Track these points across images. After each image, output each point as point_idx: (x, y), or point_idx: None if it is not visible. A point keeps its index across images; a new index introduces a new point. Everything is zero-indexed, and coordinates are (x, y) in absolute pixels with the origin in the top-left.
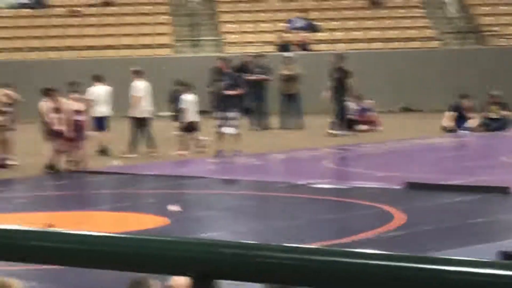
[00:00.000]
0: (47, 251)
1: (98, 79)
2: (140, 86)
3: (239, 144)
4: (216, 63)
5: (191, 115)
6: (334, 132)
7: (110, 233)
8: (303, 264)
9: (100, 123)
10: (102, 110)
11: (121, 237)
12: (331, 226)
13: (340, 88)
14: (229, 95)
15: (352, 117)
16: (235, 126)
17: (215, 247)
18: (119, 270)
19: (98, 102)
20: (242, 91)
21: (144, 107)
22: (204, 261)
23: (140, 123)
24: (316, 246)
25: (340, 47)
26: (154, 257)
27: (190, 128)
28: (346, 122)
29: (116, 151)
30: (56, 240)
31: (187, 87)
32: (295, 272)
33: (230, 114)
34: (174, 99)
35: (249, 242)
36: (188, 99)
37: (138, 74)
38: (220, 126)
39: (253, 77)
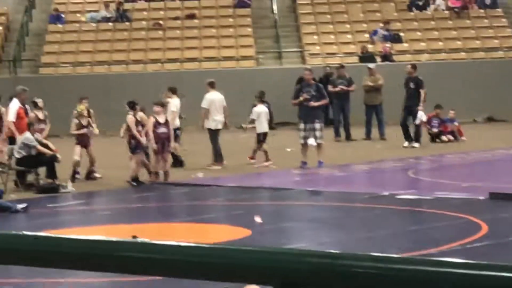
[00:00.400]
0: (133, 261)
1: (173, 91)
2: (212, 97)
3: (323, 155)
4: (303, 74)
5: (262, 126)
6: (406, 145)
7: (196, 243)
8: (388, 273)
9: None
10: (176, 122)
11: (206, 247)
12: (416, 237)
13: (413, 98)
14: (313, 106)
15: (435, 129)
16: (319, 137)
17: (300, 257)
18: (205, 279)
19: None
20: (326, 102)
21: (218, 119)
22: (289, 270)
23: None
24: (401, 255)
25: (423, 58)
26: (239, 267)
27: (261, 139)
28: (414, 133)
29: (192, 163)
30: (142, 250)
31: (258, 98)
32: (381, 281)
33: (314, 125)
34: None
35: (334, 251)
36: (259, 110)
37: (212, 85)
38: (304, 137)
39: (337, 88)
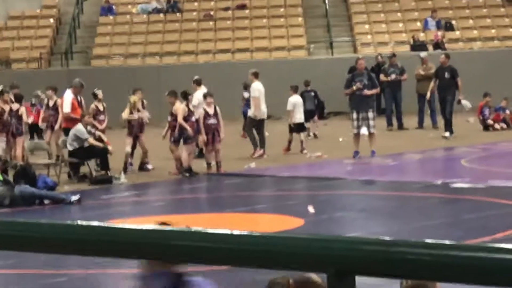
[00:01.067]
0: (188, 250)
1: (198, 83)
2: (258, 87)
3: (375, 144)
4: (355, 63)
5: (296, 117)
6: (444, 135)
7: (248, 231)
8: (442, 260)
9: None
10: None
11: (259, 236)
12: (470, 226)
13: (449, 88)
14: (366, 95)
15: (489, 120)
16: (372, 126)
17: (354, 244)
18: (259, 267)
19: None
20: (378, 91)
21: (263, 109)
22: (343, 258)
23: (258, 124)
24: (455, 242)
25: (476, 46)
26: (292, 255)
27: (298, 129)
28: (445, 123)
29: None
30: (197, 239)
31: (293, 88)
32: (435, 268)
33: (368, 114)
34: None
35: (387, 239)
36: (294, 100)
37: (256, 76)
38: (357, 126)
39: (389, 77)
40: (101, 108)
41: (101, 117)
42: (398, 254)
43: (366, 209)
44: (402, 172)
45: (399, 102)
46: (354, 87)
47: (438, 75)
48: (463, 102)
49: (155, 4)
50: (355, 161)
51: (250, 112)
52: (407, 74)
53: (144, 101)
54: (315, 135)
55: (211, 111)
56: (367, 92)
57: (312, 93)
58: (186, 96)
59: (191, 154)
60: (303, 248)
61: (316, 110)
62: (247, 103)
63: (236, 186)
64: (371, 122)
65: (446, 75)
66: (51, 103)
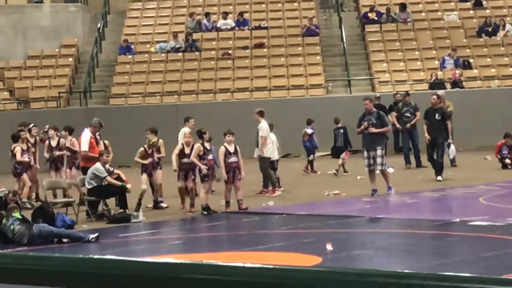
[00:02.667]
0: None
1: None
2: (266, 126)
3: (391, 180)
4: (364, 103)
5: (273, 153)
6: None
7: (262, 264)
8: None
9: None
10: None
11: (271, 268)
12: (489, 264)
13: (438, 130)
14: (374, 134)
15: (507, 160)
16: (380, 164)
17: (365, 277)
18: None
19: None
20: (387, 130)
21: (270, 148)
22: None
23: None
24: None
25: (493, 84)
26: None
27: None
28: (436, 166)
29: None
30: (208, 272)
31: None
32: None
33: (376, 152)
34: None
35: (400, 271)
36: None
37: (262, 115)
38: (368, 165)
39: (408, 117)
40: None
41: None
42: (410, 286)
43: (384, 247)
44: (420, 210)
45: (415, 140)
46: (362, 126)
47: (428, 116)
48: (452, 147)
49: (173, 43)
50: (372, 198)
51: (260, 152)
52: (421, 112)
53: (160, 140)
54: (336, 173)
55: (231, 149)
56: (372, 130)
57: (342, 130)
58: (201, 135)
59: (208, 192)
60: (313, 280)
61: (345, 147)
62: (309, 139)
63: (254, 224)
64: (378, 160)
65: (437, 116)
66: (53, 143)
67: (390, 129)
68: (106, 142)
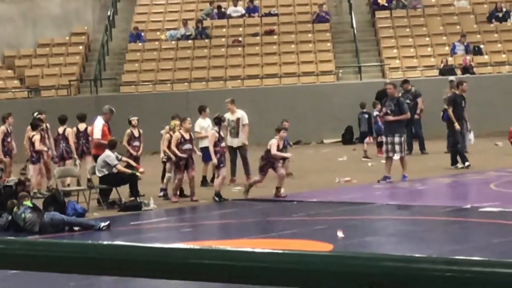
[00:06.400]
0: (207, 268)
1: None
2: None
3: (407, 169)
4: (386, 87)
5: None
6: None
7: (271, 249)
8: (465, 275)
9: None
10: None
11: (282, 253)
12: (500, 249)
13: (464, 116)
14: (393, 121)
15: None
16: (398, 151)
17: (375, 261)
18: (283, 286)
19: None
20: (405, 117)
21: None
22: (364, 274)
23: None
24: (479, 258)
25: (504, 70)
26: (314, 272)
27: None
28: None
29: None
30: (217, 257)
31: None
32: (458, 284)
33: (394, 139)
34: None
35: (410, 255)
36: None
37: (233, 103)
38: (386, 151)
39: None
40: (136, 134)
41: (136, 143)
42: (419, 271)
43: (396, 233)
44: (431, 196)
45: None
46: (381, 113)
47: (456, 103)
48: (472, 134)
49: (183, 30)
50: (384, 185)
51: (245, 141)
52: (431, 98)
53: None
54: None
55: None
56: (388, 118)
57: (366, 115)
58: (220, 122)
59: (224, 179)
60: (323, 265)
61: (369, 132)
62: (375, 121)
63: (265, 212)
64: (398, 147)
65: (463, 104)
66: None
67: (408, 116)
68: (141, 131)
